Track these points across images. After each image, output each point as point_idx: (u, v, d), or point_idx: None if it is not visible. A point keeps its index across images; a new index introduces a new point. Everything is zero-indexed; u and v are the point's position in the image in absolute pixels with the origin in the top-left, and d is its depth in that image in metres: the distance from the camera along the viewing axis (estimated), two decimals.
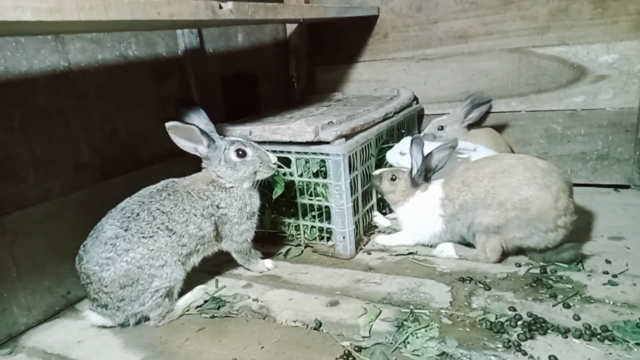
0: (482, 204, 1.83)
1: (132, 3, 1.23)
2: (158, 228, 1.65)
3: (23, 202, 1.70)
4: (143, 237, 1.61)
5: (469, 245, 1.98)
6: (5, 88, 1.63)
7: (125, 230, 1.61)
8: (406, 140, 2.26)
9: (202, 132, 1.73)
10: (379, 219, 2.36)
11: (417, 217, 2.05)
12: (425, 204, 2.01)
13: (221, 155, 1.79)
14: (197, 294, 1.80)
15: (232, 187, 1.82)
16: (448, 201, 1.95)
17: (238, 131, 2.15)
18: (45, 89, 1.76)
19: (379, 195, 2.35)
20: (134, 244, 1.59)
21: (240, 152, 1.80)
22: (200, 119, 1.87)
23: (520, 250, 1.90)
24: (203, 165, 1.86)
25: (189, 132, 1.72)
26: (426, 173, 2.02)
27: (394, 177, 2.10)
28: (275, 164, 1.88)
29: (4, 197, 1.64)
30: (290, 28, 3.19)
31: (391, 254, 2.07)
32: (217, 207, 1.80)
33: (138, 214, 1.65)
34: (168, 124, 1.68)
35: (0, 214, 1.63)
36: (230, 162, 1.80)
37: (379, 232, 2.31)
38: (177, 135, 1.73)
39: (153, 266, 1.61)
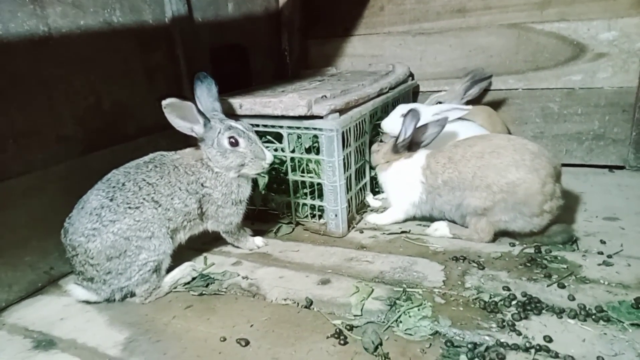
0: (470, 185, 1.81)
1: None
2: (144, 199, 1.60)
3: (3, 174, 1.63)
4: (129, 207, 1.57)
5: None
6: None
7: (111, 200, 1.56)
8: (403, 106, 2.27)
9: (199, 111, 1.66)
10: (369, 199, 2.32)
11: (398, 182, 2.04)
12: (407, 170, 2.01)
13: (215, 138, 1.72)
14: (185, 270, 1.75)
15: (218, 171, 1.76)
16: (429, 172, 1.93)
17: (227, 104, 2.08)
18: (24, 55, 1.67)
19: (372, 173, 2.31)
20: (120, 215, 1.55)
21: (232, 141, 1.72)
22: (210, 93, 1.80)
23: (506, 233, 1.87)
24: (199, 142, 1.79)
25: (185, 110, 1.64)
26: (411, 145, 2.02)
27: (381, 140, 2.20)
28: (269, 164, 1.78)
29: None
30: None
31: (384, 233, 2.04)
32: (202, 185, 1.75)
33: (124, 184, 1.60)
34: (165, 102, 1.59)
35: None
36: (221, 148, 1.72)
37: (371, 210, 2.27)
38: (174, 115, 1.65)
39: (140, 237, 1.57)
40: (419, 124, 1.96)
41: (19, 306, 1.68)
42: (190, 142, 2.24)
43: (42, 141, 1.76)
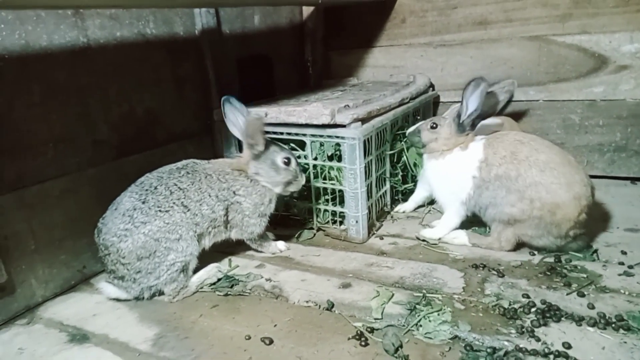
0: (519, 191, 1.75)
1: None
2: (174, 203, 1.68)
3: (41, 177, 1.72)
4: (159, 210, 1.64)
5: (477, 223, 1.97)
6: (26, 63, 1.64)
7: (143, 202, 1.64)
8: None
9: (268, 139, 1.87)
10: (425, 232, 2.08)
11: (449, 177, 1.94)
12: (462, 162, 1.90)
13: (269, 157, 1.87)
14: (211, 271, 1.82)
15: (265, 185, 1.88)
16: (485, 165, 1.84)
17: (253, 112, 2.14)
18: (64, 65, 1.77)
19: (394, 177, 2.31)
20: (151, 217, 1.62)
21: (286, 160, 1.89)
22: (241, 115, 1.89)
23: (522, 243, 1.88)
24: (239, 154, 1.91)
25: (259, 132, 1.79)
26: (474, 120, 1.91)
27: (434, 125, 1.99)
28: (303, 184, 1.97)
29: (23, 171, 1.66)
30: (307, 11, 3.16)
31: (403, 239, 2.07)
32: (234, 192, 1.83)
33: (156, 188, 1.68)
34: (250, 119, 1.78)
35: (20, 187, 1.65)
36: (275, 165, 1.87)
37: (425, 225, 2.20)
38: (251, 128, 1.79)
39: (169, 239, 1.64)
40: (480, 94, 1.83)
41: (54, 302, 1.76)
42: (216, 151, 2.33)
43: (78, 146, 1.85)
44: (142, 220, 1.62)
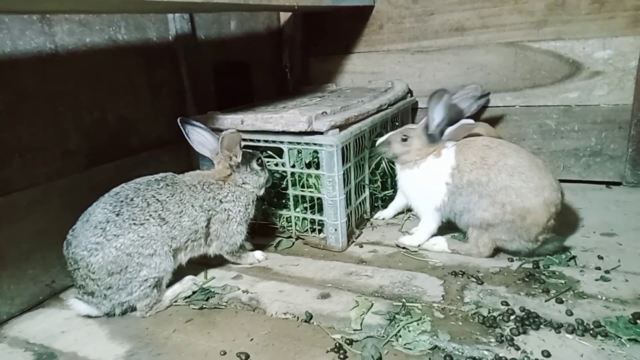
0: (490, 196, 1.78)
1: None
2: (150, 215, 1.62)
3: (8, 188, 1.65)
4: (134, 223, 1.58)
5: (456, 229, 1.99)
6: None
7: (117, 215, 1.58)
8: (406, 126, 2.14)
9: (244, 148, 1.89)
10: (404, 239, 2.06)
11: (424, 185, 1.96)
12: (435, 170, 1.92)
13: (247, 164, 1.91)
14: (186, 284, 1.76)
15: (252, 190, 1.92)
16: (457, 172, 1.86)
17: (229, 119, 2.11)
18: (32, 72, 1.71)
19: (373, 183, 2.32)
20: (125, 230, 1.56)
21: (259, 162, 1.95)
22: (204, 132, 1.90)
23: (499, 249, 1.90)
24: (220, 165, 1.89)
25: (237, 144, 1.82)
26: (442, 129, 1.93)
27: (405, 137, 2.00)
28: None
29: None
30: (285, 17, 3.14)
31: (382, 246, 2.05)
32: (220, 201, 1.81)
33: (132, 199, 1.63)
34: (224, 135, 1.77)
35: None
36: (254, 170, 1.92)
37: (404, 232, 2.19)
38: (229, 143, 1.80)
39: (142, 254, 1.58)
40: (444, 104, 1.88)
41: (21, 319, 1.69)
42: (192, 159, 2.28)
43: (47, 155, 1.78)
44: (114, 233, 1.55)
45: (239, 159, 1.85)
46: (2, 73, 1.61)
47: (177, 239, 1.68)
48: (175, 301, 1.71)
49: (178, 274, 1.75)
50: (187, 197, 1.73)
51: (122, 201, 1.62)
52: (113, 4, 1.49)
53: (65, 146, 1.85)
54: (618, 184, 2.60)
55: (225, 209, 1.82)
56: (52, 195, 1.80)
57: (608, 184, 2.61)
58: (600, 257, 1.82)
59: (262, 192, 1.98)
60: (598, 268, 1.74)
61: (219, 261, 2.00)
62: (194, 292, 1.75)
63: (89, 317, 1.64)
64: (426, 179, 1.95)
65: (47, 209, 1.78)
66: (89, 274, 1.54)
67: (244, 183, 1.90)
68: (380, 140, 2.13)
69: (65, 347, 1.50)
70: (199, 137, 1.89)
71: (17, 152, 1.68)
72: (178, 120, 1.87)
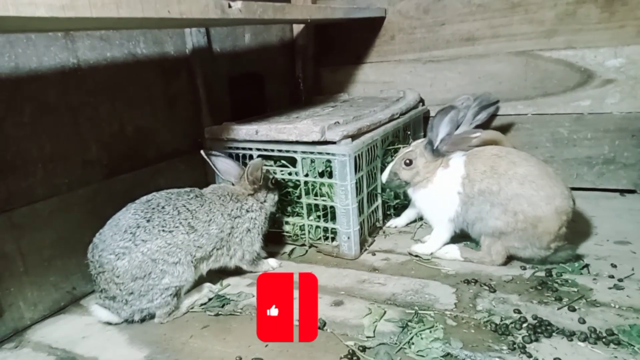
0: (502, 205, 1.79)
1: (144, 1, 1.24)
2: (180, 223, 1.68)
3: (31, 197, 1.71)
4: (163, 230, 1.64)
5: (468, 237, 1.99)
6: (17, 84, 1.64)
7: (148, 221, 1.63)
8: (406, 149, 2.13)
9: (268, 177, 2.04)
10: (416, 247, 2.08)
11: (438, 197, 1.97)
12: (447, 181, 1.94)
13: (266, 185, 2.01)
14: (203, 292, 1.80)
15: (269, 208, 2.03)
16: (468, 181, 1.88)
17: (244, 130, 2.16)
18: (54, 85, 1.77)
19: (393, 200, 2.35)
20: (153, 236, 1.61)
21: (273, 181, 2.05)
22: (229, 162, 1.99)
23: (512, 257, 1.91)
24: (241, 186, 1.97)
25: (259, 169, 1.93)
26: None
27: (408, 162, 2.02)
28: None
29: (13, 192, 1.65)
30: (297, 28, 3.20)
31: (395, 254, 2.07)
32: (247, 210, 1.90)
33: (163, 207, 1.69)
34: (255, 162, 1.90)
35: (9, 208, 1.64)
36: (270, 190, 2.04)
37: (416, 241, 2.21)
38: (255, 171, 1.92)
39: (167, 262, 1.62)
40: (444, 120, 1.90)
41: (43, 324, 1.74)
42: (207, 169, 2.33)
43: (68, 165, 1.84)
44: (143, 238, 1.60)
45: (261, 183, 1.96)
46: (28, 87, 1.68)
47: (204, 247, 1.73)
48: (192, 308, 1.75)
49: (196, 283, 1.79)
50: (217, 206, 1.81)
51: (153, 208, 1.67)
52: (133, 23, 1.54)
53: (86, 156, 1.91)
54: (632, 191, 2.59)
55: (251, 218, 1.91)
56: (73, 204, 1.85)
57: (621, 192, 2.60)
58: (613, 266, 1.82)
59: (275, 208, 2.09)
60: (611, 276, 1.74)
61: (234, 269, 2.04)
62: (210, 299, 1.79)
63: (109, 324, 1.68)
64: (439, 191, 1.97)
65: (68, 218, 1.83)
66: (113, 278, 1.58)
67: (264, 201, 2.00)
68: (384, 176, 2.13)
69: (86, 352, 1.55)
70: (225, 166, 1.97)
71: (40, 162, 1.74)
72: (202, 153, 1.95)
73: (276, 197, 2.07)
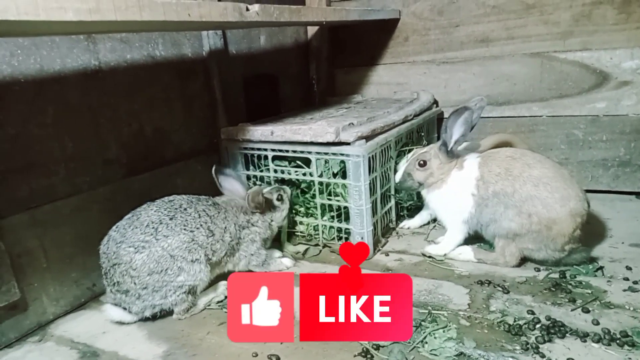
0: (516, 207, 1.80)
1: (165, 4, 1.28)
2: (201, 225, 1.73)
3: (53, 195, 1.76)
4: (185, 228, 1.68)
5: (482, 239, 2.00)
6: (40, 85, 1.69)
7: (171, 219, 1.68)
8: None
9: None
10: (430, 248, 2.10)
11: (453, 198, 1.98)
12: (460, 183, 1.95)
13: (270, 206, 2.03)
14: (219, 290, 1.84)
15: (275, 226, 2.06)
16: (482, 183, 1.89)
17: (260, 131, 2.19)
18: (76, 86, 1.82)
19: (407, 201, 2.37)
20: (175, 232, 1.66)
21: (279, 197, 2.05)
22: (237, 181, 2.02)
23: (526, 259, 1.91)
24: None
25: (258, 195, 1.93)
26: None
27: (423, 162, 2.03)
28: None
29: (36, 190, 1.70)
30: (312, 30, 3.22)
31: (408, 255, 2.08)
32: (252, 224, 1.94)
33: (186, 209, 1.74)
34: (253, 191, 1.91)
35: (33, 206, 1.69)
36: (276, 208, 2.05)
37: (430, 241, 2.22)
38: (254, 199, 1.92)
39: (185, 259, 1.66)
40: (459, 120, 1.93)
41: (65, 319, 1.79)
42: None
43: (89, 165, 1.89)
44: (165, 234, 1.64)
45: (264, 207, 1.98)
46: (51, 88, 1.73)
47: (217, 252, 1.77)
48: (209, 305, 1.79)
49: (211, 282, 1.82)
50: (230, 215, 1.86)
51: (176, 208, 1.72)
52: (154, 25, 1.58)
53: (106, 156, 1.96)
54: None
55: (257, 232, 1.94)
56: (93, 202, 1.90)
57: (637, 194, 2.58)
58: (628, 268, 1.81)
59: (285, 222, 2.11)
60: (626, 279, 1.74)
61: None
62: (226, 297, 1.82)
63: (122, 323, 1.71)
64: (453, 193, 1.98)
65: (88, 216, 1.88)
66: (129, 270, 1.61)
67: (272, 220, 2.03)
68: (398, 176, 2.15)
69: (106, 347, 1.59)
70: (231, 186, 2.00)
71: (63, 162, 1.79)
72: (212, 171, 1.98)
73: (284, 212, 2.08)
